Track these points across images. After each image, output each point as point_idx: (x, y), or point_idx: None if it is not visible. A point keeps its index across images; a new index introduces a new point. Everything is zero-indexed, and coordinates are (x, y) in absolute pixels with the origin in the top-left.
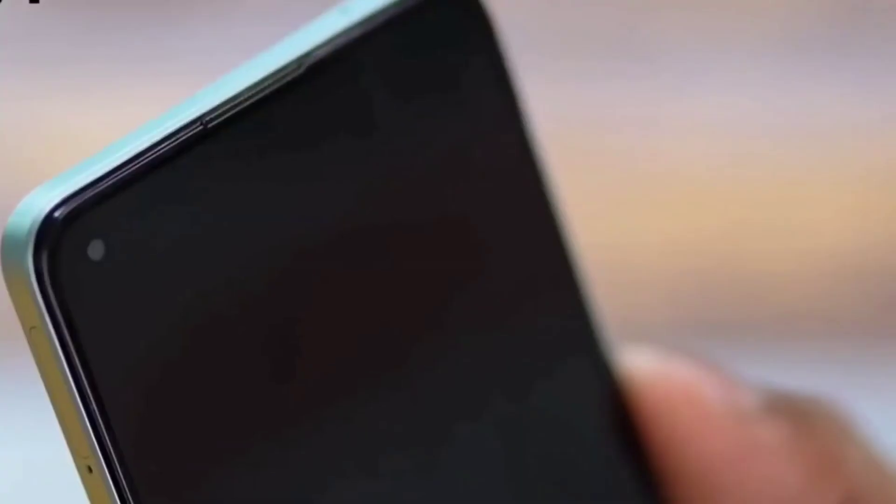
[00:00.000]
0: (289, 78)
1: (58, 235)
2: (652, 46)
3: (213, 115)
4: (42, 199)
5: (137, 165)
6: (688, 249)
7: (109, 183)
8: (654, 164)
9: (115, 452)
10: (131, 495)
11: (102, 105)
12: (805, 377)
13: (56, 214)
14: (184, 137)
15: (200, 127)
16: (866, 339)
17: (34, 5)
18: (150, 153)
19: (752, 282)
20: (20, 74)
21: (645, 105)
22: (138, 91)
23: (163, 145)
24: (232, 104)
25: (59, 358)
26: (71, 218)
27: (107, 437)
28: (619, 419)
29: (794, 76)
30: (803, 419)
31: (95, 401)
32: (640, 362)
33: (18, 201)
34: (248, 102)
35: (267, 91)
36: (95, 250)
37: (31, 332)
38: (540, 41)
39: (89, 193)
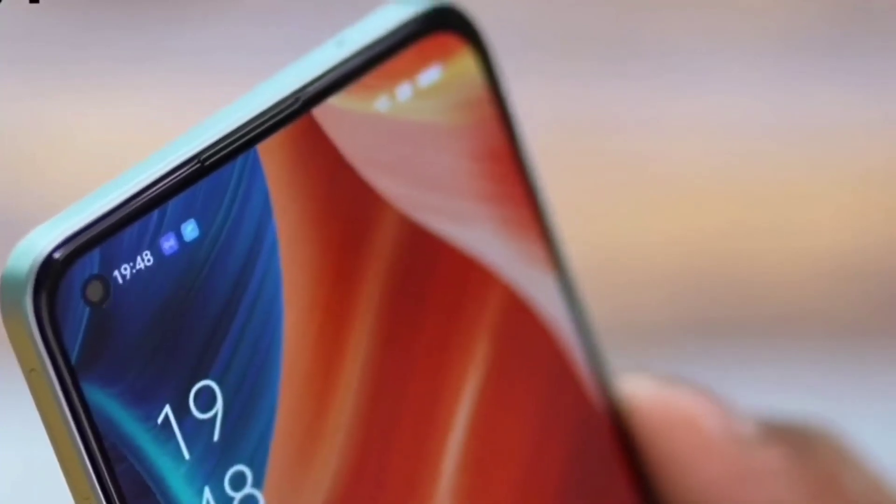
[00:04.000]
0: (285, 113)
1: (57, 277)
2: (652, 47)
3: (210, 153)
4: (41, 241)
5: (136, 205)
6: (688, 249)
7: (108, 223)
8: (654, 164)
9: (115, 493)
10: None
11: (102, 105)
12: (804, 377)
13: (56, 256)
14: (182, 175)
15: (198, 164)
16: (866, 339)
17: (34, 5)
18: (148, 192)
19: (751, 282)
20: (20, 74)
21: (645, 105)
22: (138, 91)
23: (161, 184)
24: (229, 141)
25: (59, 400)
26: (70, 259)
27: (108, 478)
28: (618, 445)
29: (794, 76)
30: (802, 445)
31: (96, 442)
32: (639, 388)
33: (18, 201)
34: (245, 139)
35: (264, 126)
36: (95, 291)
37: (30, 374)
38: (540, 41)
39: (88, 234)
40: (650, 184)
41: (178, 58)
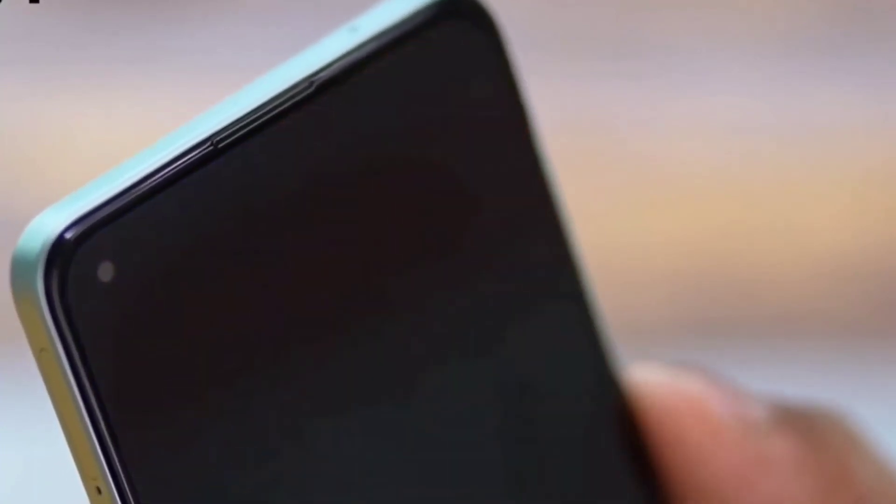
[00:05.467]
0: (299, 97)
1: (68, 257)
2: (652, 46)
3: (223, 135)
4: (53, 221)
5: (148, 186)
6: (688, 249)
7: (120, 204)
8: (654, 164)
9: (124, 474)
10: None
11: (102, 105)
12: (804, 377)
13: (67, 236)
14: (194, 157)
15: (211, 147)
16: (866, 339)
17: (34, 5)
18: (160, 173)
19: (751, 282)
20: (20, 74)
21: (645, 105)
22: (138, 91)
23: (173, 165)
24: (242, 124)
25: (69, 380)
26: (82, 239)
27: (116, 459)
28: (626, 433)
29: (794, 76)
30: (813, 432)
31: (105, 423)
32: (647, 376)
33: (18, 201)
34: (258, 122)
35: (277, 110)
36: (106, 272)
37: (40, 354)
38: (540, 41)
39: (100, 215)
40: (650, 184)
41: (178, 58)
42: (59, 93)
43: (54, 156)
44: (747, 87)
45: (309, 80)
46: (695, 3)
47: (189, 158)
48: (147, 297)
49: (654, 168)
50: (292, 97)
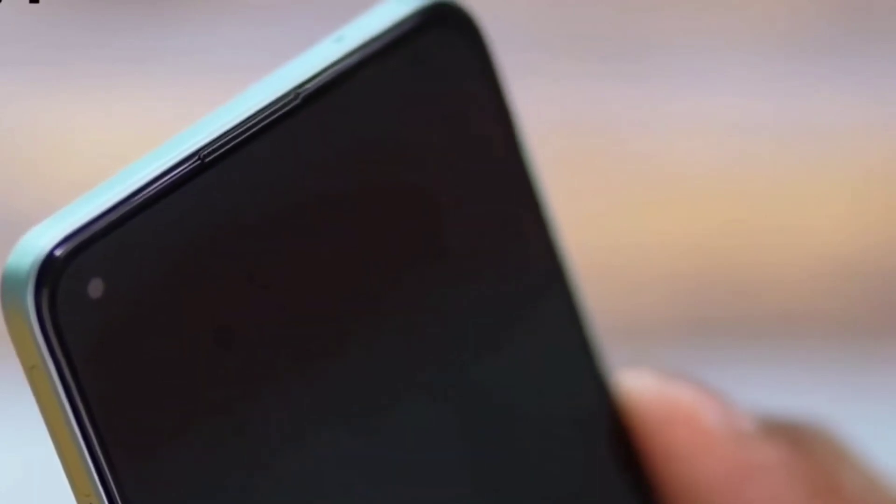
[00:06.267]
0: (285, 109)
1: (58, 275)
2: (652, 46)
3: (210, 149)
4: (42, 238)
5: (137, 202)
6: (687, 249)
7: (109, 221)
8: (653, 164)
9: (116, 490)
10: None
11: (102, 105)
12: (804, 377)
13: (57, 254)
14: (182, 172)
15: (198, 161)
16: (865, 339)
17: (34, 5)
18: (148, 189)
19: (750, 282)
20: (20, 74)
21: (644, 105)
22: (137, 91)
23: (161, 180)
24: (229, 137)
25: (60, 397)
26: (71, 257)
27: (109, 476)
28: (617, 441)
29: (794, 76)
30: (801, 442)
31: (97, 439)
32: (638, 384)
33: (17, 201)
34: (245, 135)
35: (264, 123)
36: (95, 288)
37: (31, 370)
38: (540, 41)
39: (89, 232)
40: (650, 184)
41: (178, 58)
42: (58, 93)
43: (53, 156)
44: (747, 87)
45: (295, 91)
46: (695, 3)
47: (177, 173)
48: (137, 312)
49: (654, 168)
50: (279, 109)
